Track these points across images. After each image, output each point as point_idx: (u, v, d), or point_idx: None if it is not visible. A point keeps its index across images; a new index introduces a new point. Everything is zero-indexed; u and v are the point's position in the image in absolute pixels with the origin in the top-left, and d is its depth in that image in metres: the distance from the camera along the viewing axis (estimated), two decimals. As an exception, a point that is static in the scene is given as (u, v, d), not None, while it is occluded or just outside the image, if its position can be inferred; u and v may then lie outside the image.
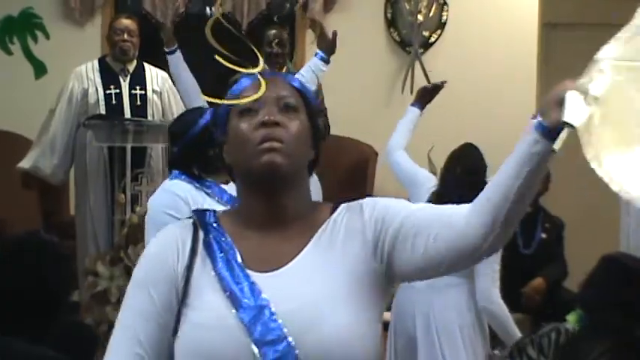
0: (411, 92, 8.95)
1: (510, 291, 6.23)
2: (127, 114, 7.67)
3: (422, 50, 9.40)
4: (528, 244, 8.13)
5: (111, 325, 6.68)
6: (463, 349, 5.56)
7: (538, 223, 8.22)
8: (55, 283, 4.52)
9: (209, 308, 2.33)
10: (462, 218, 2.38)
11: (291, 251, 2.39)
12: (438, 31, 9.55)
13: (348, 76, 8.81)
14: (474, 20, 9.52)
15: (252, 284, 2.35)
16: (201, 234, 2.45)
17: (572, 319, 4.85)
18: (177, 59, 7.18)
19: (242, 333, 2.29)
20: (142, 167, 7.61)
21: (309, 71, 6.63)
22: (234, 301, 2.32)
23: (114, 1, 9.54)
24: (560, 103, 2.47)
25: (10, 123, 8.68)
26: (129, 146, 7.37)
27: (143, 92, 7.80)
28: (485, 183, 2.47)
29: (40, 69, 9.36)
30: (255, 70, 2.52)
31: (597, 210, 8.68)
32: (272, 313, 2.30)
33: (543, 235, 8.20)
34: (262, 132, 2.36)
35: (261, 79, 2.47)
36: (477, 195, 2.40)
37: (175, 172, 4.74)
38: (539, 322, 5.27)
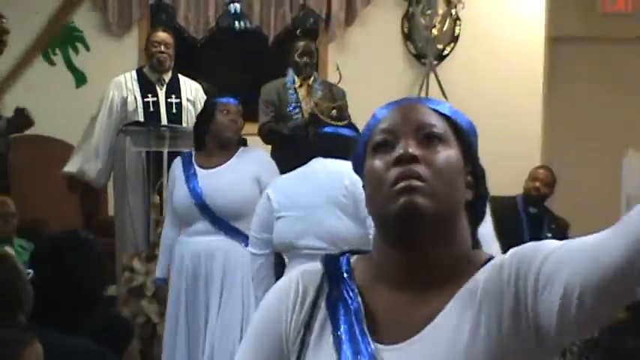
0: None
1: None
2: (164, 121, 7.69)
3: (436, 62, 9.38)
4: (536, 244, 8.10)
5: (146, 318, 6.71)
6: None
7: (544, 224, 8.21)
8: (91, 278, 4.54)
9: None
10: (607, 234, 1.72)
11: (425, 317, 1.83)
12: (452, 45, 9.54)
13: (367, 86, 8.79)
14: (484, 34, 9.51)
15: (372, 357, 1.81)
16: (328, 288, 1.92)
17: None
18: None
19: None
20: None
21: None
22: None
23: (149, 15, 9.54)
24: None
25: (51, 129, 8.69)
26: (165, 151, 7.36)
27: (178, 101, 7.82)
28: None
29: (80, 78, 9.39)
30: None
31: (600, 211, 8.66)
32: None
33: (549, 235, 8.16)
34: (398, 169, 1.81)
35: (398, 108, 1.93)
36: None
37: None
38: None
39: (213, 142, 5.93)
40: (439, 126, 1.88)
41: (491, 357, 1.76)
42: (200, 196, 5.88)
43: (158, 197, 7.43)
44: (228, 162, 5.93)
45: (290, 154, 7.00)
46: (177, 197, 5.98)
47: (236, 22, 9.91)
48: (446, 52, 9.55)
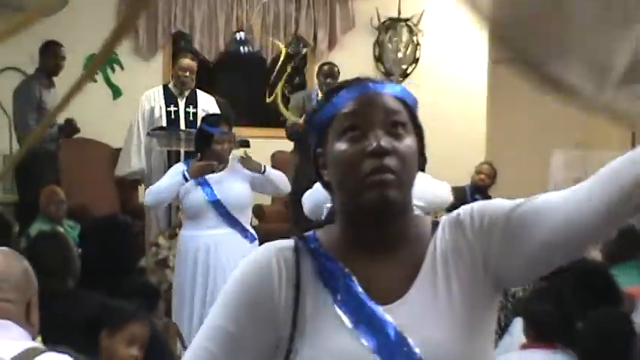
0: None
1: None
2: (182, 126, 7.70)
3: (401, 79, 9.39)
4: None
5: (169, 284, 6.68)
6: None
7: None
8: (127, 253, 4.56)
9: (339, 350, 1.65)
10: (582, 192, 1.60)
11: (404, 279, 1.71)
12: (413, 65, 9.56)
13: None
14: (439, 56, 9.53)
15: (382, 317, 1.66)
16: (306, 262, 1.71)
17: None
18: None
19: None
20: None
21: None
22: (368, 339, 1.65)
23: (171, 41, 9.54)
24: None
25: (93, 133, 8.68)
26: (182, 150, 7.39)
27: (195, 111, 7.84)
28: None
29: (116, 92, 9.38)
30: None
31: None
32: (411, 347, 1.64)
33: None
34: (373, 162, 1.65)
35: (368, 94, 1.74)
36: None
37: None
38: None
39: (211, 158, 5.94)
40: (401, 112, 1.74)
41: (467, 303, 1.68)
42: (214, 195, 5.90)
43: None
44: (227, 169, 5.98)
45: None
46: (193, 196, 5.94)
47: (241, 47, 9.94)
48: (409, 71, 9.56)
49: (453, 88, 9.44)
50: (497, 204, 1.73)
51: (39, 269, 2.66)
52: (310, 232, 1.77)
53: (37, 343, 2.47)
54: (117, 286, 4.08)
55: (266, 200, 8.28)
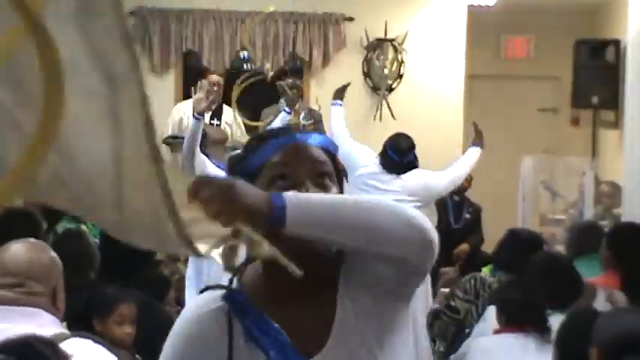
0: (380, 121, 9.05)
1: (445, 252, 6.25)
2: (205, 137, 7.73)
3: (387, 93, 9.39)
4: (458, 221, 8.16)
5: (180, 276, 6.65)
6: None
7: (464, 208, 8.26)
8: (140, 248, 4.56)
9: None
10: None
11: (325, 326, 1.59)
12: (398, 80, 9.54)
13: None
14: (421, 73, 9.52)
15: None
16: (237, 323, 1.57)
17: (486, 270, 4.86)
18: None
19: None
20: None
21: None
22: None
23: (183, 59, 9.53)
24: None
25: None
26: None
27: (218, 123, 7.87)
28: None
29: (133, 105, 9.37)
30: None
31: (503, 199, 8.72)
32: None
33: (468, 216, 8.23)
34: None
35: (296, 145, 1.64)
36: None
37: None
38: (463, 273, 5.29)
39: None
40: (327, 163, 1.63)
41: (381, 322, 1.60)
42: None
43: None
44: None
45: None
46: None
47: (244, 65, 9.94)
48: (394, 86, 9.55)
49: (433, 100, 9.43)
50: None
51: (64, 263, 2.67)
52: (237, 284, 1.60)
53: (64, 329, 2.47)
54: (132, 277, 4.08)
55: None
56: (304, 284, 1.49)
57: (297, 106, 8.10)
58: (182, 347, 1.59)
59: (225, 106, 7.98)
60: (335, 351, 1.57)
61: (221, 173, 5.65)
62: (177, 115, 7.90)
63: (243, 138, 7.62)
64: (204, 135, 5.82)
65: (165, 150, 7.72)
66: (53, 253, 2.52)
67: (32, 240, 2.63)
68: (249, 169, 1.62)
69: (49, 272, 2.46)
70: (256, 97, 9.59)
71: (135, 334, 3.28)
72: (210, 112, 7.80)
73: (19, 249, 2.44)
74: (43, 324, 2.35)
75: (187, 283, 6.00)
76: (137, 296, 3.63)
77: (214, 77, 7.92)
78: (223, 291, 1.60)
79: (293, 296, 1.59)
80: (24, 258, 2.42)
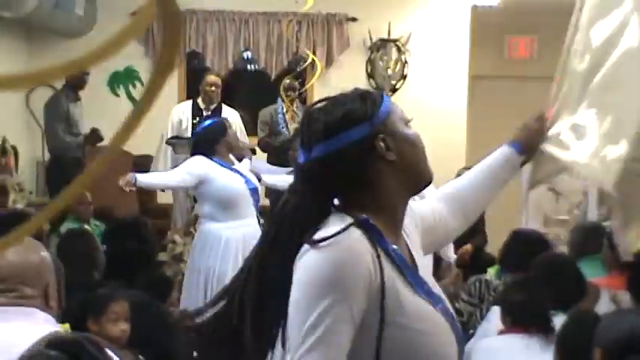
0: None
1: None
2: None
3: (391, 93, 9.39)
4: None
5: (183, 276, 6.59)
6: None
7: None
8: (144, 249, 4.56)
9: (425, 317, 1.76)
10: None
11: (408, 252, 1.89)
12: (401, 81, 9.55)
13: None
14: (424, 73, 9.53)
15: (431, 290, 1.84)
16: (379, 249, 1.75)
17: (492, 272, 4.85)
18: None
19: (451, 336, 1.81)
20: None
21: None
22: (438, 307, 1.81)
23: (186, 60, 9.54)
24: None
25: (116, 141, 8.67)
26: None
27: None
28: None
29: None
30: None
31: (506, 199, 8.70)
32: (453, 315, 1.85)
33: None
34: None
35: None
36: None
37: None
38: (467, 275, 5.28)
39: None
40: None
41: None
42: (252, 183, 5.47)
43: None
44: (242, 165, 5.61)
45: (280, 159, 7.07)
46: (233, 184, 5.37)
47: (248, 65, 9.94)
48: (397, 86, 9.56)
49: (436, 100, 9.43)
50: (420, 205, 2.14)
51: (68, 263, 2.66)
52: (366, 221, 1.76)
53: (60, 327, 2.45)
54: (135, 277, 4.08)
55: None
56: (401, 222, 1.88)
57: (294, 106, 8.13)
58: (346, 260, 1.70)
59: (225, 106, 7.97)
60: (421, 271, 1.87)
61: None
62: (176, 116, 7.87)
63: (244, 138, 7.61)
64: (224, 132, 5.54)
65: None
66: (44, 252, 2.49)
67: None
68: (383, 111, 1.87)
69: (39, 273, 2.42)
70: (256, 96, 9.62)
71: (135, 334, 3.28)
72: (209, 112, 7.80)
73: (7, 252, 2.41)
74: (38, 322, 2.34)
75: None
76: (138, 296, 3.63)
77: (212, 77, 7.91)
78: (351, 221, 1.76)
79: (396, 231, 1.87)
80: (13, 262, 2.38)
